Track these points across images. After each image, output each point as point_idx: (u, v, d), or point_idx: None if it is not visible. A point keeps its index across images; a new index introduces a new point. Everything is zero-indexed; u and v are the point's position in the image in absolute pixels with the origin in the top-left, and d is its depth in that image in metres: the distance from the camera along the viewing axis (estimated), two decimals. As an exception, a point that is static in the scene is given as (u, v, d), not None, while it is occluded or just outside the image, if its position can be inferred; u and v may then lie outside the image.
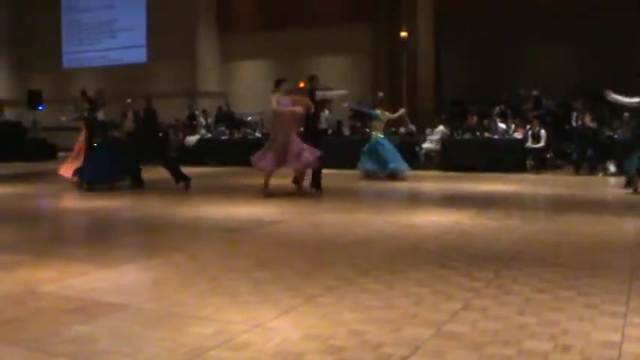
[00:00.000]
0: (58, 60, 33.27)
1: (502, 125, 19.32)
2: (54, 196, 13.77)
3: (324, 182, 13.30)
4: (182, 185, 14.11)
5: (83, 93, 16.39)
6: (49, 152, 25.99)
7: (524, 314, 4.83)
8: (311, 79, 13.63)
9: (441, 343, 4.24)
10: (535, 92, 19.94)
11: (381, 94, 18.21)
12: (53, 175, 16.54)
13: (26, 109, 29.29)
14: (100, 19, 32.46)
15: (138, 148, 14.31)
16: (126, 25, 31.58)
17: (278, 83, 13.01)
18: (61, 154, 24.51)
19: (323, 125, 21.62)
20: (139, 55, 31.07)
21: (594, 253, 7.13)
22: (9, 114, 29.08)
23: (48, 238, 8.93)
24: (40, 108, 28.36)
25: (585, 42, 22.84)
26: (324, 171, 13.41)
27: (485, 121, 19.76)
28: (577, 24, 22.47)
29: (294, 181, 13.17)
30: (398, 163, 16.68)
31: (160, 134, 16.80)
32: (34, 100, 28.69)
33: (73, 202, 12.59)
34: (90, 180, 14.08)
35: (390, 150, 16.75)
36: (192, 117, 24.94)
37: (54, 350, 4.22)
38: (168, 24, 29.20)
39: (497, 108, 20.79)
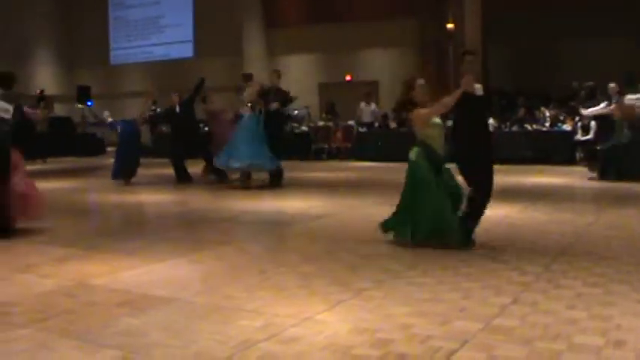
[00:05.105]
0: (105, 56, 33.66)
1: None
2: (103, 190, 13.93)
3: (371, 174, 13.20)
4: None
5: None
6: (98, 147, 26.36)
7: (574, 309, 4.76)
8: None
9: (490, 337, 4.20)
10: (591, 83, 19.57)
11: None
12: (102, 169, 16.74)
13: (75, 104, 29.69)
14: (147, 15, 32.77)
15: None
16: (172, 21, 31.83)
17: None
18: (109, 148, 24.82)
19: (369, 118, 21.63)
20: (186, 51, 31.31)
21: (647, 246, 6.99)
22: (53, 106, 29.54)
23: (98, 232, 9.05)
24: (89, 103, 28.74)
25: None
26: (370, 164, 13.31)
27: (534, 113, 19.47)
28: (630, 15, 22.02)
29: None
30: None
31: (206, 128, 16.96)
32: (83, 95, 29.05)
33: (122, 196, 12.74)
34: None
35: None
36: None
37: (104, 342, 4.28)
38: (214, 19, 29.36)
39: (545, 105, 20.48)
